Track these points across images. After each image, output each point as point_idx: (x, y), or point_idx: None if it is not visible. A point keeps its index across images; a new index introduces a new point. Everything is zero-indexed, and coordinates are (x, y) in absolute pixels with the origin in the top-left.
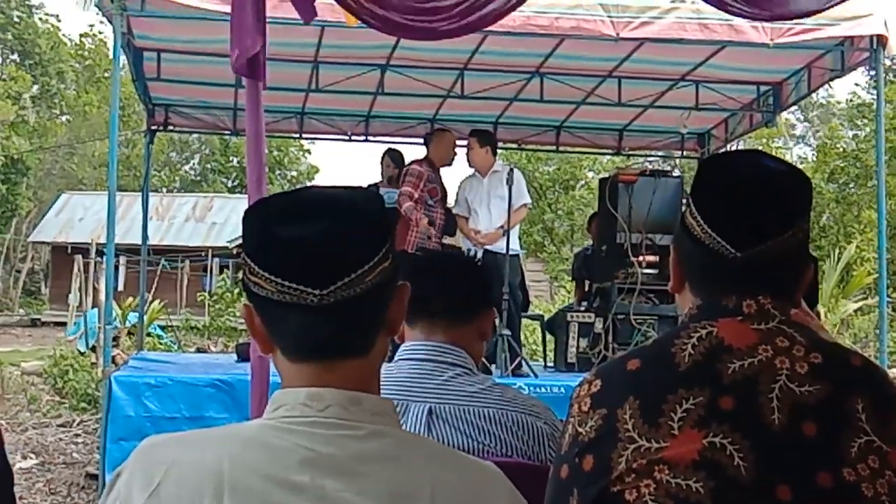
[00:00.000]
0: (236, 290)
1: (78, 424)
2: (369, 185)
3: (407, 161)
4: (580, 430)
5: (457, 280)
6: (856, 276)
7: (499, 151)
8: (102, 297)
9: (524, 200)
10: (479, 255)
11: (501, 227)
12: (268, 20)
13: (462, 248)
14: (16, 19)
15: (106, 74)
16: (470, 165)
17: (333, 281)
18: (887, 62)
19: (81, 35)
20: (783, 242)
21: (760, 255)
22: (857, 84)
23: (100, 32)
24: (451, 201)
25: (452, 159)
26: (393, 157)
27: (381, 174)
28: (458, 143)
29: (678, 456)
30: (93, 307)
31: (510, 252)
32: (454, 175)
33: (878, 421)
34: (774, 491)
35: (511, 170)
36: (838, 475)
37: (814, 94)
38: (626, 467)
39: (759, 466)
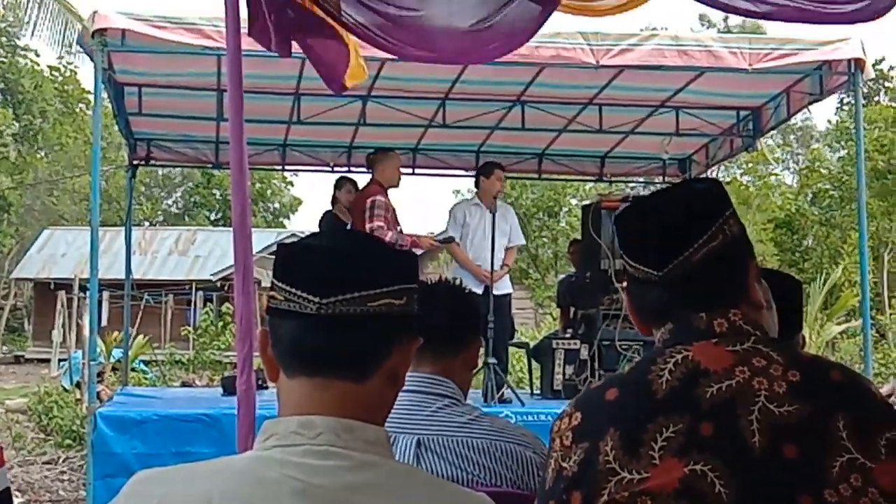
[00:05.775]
0: (220, 324)
1: (63, 461)
2: (325, 213)
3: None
4: (563, 464)
5: (444, 310)
6: (841, 298)
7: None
8: (86, 332)
9: (522, 241)
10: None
11: (505, 265)
12: (248, 53)
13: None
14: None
15: (81, 107)
16: (479, 196)
17: (335, 293)
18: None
19: (52, 68)
20: (703, 247)
21: (684, 267)
22: (840, 104)
23: (69, 63)
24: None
25: (398, 181)
26: (354, 185)
27: (337, 200)
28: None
29: (660, 486)
30: (77, 343)
31: (506, 291)
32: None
33: (860, 437)
34: None
35: (495, 199)
36: (819, 497)
37: (792, 118)
38: (608, 499)
39: (740, 492)
